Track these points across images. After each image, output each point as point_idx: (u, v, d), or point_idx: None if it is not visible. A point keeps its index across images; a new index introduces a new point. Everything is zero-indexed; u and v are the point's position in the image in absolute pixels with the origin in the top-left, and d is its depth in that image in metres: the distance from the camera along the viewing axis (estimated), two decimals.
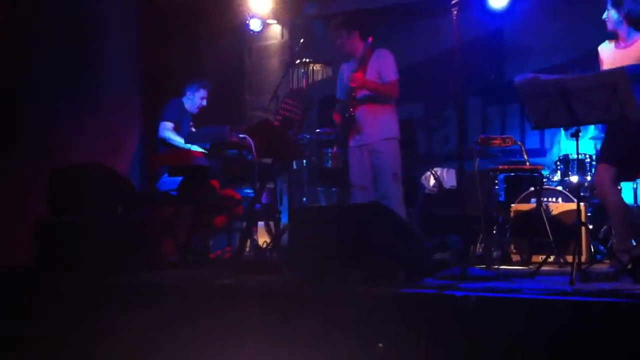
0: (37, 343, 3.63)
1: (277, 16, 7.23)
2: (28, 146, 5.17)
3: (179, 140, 5.18)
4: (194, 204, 4.74)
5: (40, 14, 5.30)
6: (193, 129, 5.48)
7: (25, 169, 5.06)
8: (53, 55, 5.36)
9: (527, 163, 5.45)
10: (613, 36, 3.86)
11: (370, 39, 4.70)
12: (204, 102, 5.57)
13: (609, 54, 3.87)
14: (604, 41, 3.97)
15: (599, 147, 5.85)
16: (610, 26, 3.83)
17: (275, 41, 7.46)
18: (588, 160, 5.20)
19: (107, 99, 5.79)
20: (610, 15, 3.81)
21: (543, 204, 4.81)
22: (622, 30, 3.81)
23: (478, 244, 5.12)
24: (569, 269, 3.43)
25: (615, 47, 3.85)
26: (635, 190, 5.41)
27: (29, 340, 3.66)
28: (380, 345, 2.81)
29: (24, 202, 4.90)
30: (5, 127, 5.06)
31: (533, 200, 4.98)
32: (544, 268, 3.90)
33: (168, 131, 5.28)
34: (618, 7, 3.77)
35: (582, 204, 3.61)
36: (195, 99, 5.54)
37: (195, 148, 4.67)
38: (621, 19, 3.77)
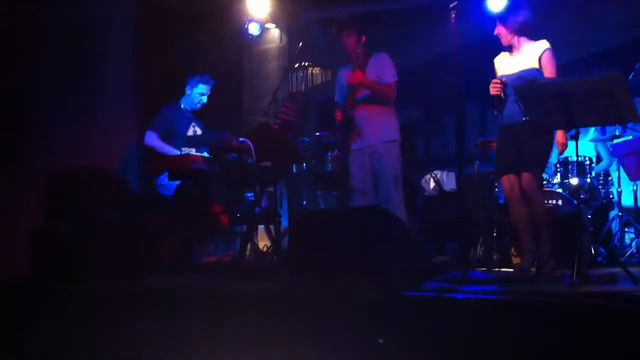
0: (33, 352, 3.63)
1: (276, 20, 7.22)
2: (26, 154, 5.12)
3: (167, 148, 5.19)
4: (190, 210, 4.71)
5: (39, 21, 5.27)
6: (198, 130, 5.45)
7: (23, 177, 5.01)
8: (52, 63, 5.31)
9: None
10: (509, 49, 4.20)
11: (363, 38, 4.71)
12: (204, 99, 5.45)
13: (504, 62, 4.23)
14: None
15: (599, 148, 5.89)
16: (504, 41, 4.16)
17: (274, 45, 7.44)
18: (588, 162, 5.20)
19: (106, 105, 5.73)
20: (500, 30, 4.16)
21: None
22: (514, 40, 4.15)
23: (478, 247, 5.12)
24: (569, 271, 3.43)
25: (510, 54, 4.21)
26: (635, 192, 5.42)
27: (25, 349, 3.66)
28: (381, 341, 2.81)
29: (22, 211, 4.87)
30: (3, 135, 5.04)
31: None
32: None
33: (152, 139, 5.27)
34: (505, 23, 4.13)
35: (582, 206, 3.62)
36: (193, 95, 5.44)
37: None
38: (510, 31, 4.12)
